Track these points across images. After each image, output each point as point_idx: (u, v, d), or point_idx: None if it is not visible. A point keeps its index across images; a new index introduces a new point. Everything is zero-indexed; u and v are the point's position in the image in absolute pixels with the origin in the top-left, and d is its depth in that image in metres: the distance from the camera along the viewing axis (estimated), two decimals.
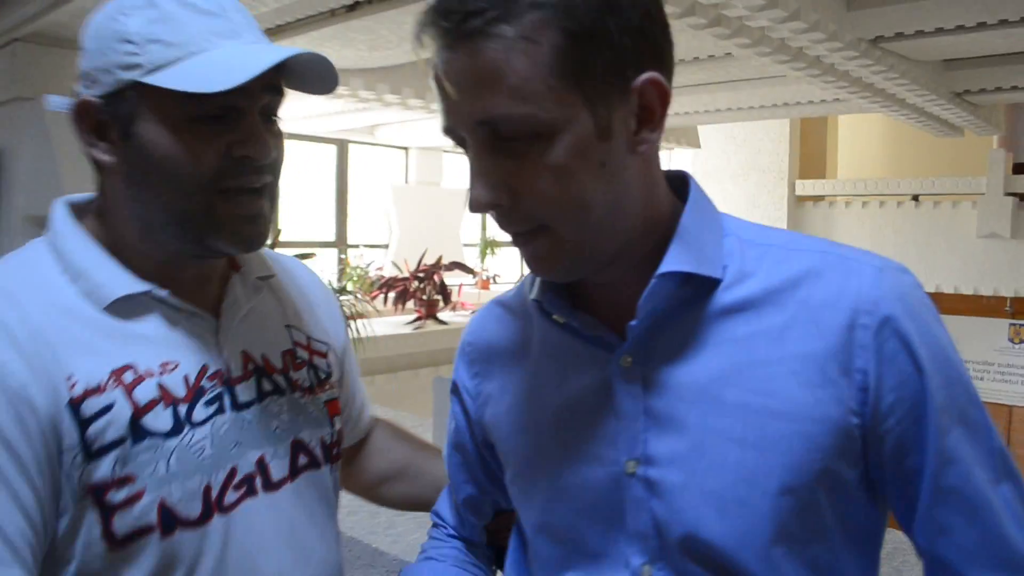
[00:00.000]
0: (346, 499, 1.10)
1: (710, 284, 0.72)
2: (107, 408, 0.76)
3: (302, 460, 0.91)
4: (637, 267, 0.72)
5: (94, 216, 0.87)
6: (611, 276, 0.74)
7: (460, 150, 0.69)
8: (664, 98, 0.67)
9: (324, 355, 1.00)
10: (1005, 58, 5.34)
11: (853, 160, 10.17)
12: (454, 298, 7.25)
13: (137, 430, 0.77)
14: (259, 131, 0.81)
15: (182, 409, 0.81)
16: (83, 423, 0.75)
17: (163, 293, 0.83)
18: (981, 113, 6.97)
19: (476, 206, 0.68)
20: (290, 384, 0.93)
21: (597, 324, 0.75)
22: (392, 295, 6.77)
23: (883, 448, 0.69)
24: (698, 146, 8.59)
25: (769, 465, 0.68)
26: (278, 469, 0.88)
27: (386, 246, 8.89)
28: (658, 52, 0.67)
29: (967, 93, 6.35)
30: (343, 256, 7.93)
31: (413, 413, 4.06)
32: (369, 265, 7.53)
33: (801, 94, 6.09)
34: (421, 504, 1.13)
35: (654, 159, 0.72)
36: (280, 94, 0.84)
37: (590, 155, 0.65)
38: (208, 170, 0.79)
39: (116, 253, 0.84)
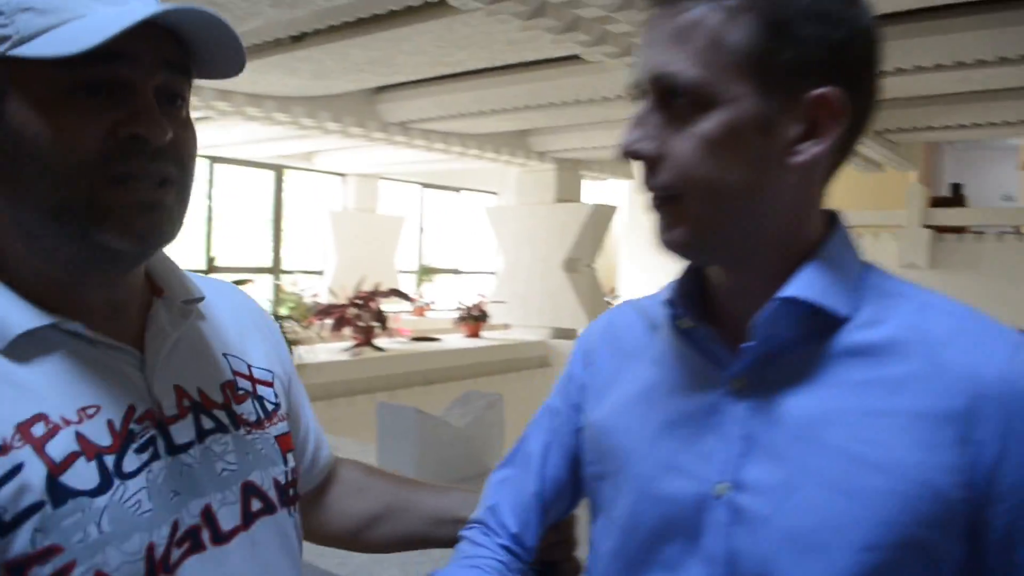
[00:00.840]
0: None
1: (837, 320, 0.69)
2: (15, 470, 0.64)
3: (255, 505, 0.80)
4: (768, 281, 0.70)
5: None
6: (740, 281, 0.73)
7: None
8: (835, 119, 0.66)
9: (269, 383, 0.89)
10: (923, 100, 5.62)
11: None
12: (391, 325, 7.22)
13: (57, 491, 0.66)
14: (151, 108, 0.70)
15: (109, 460, 0.70)
16: None
17: (74, 325, 0.71)
18: (900, 151, 7.31)
19: (623, 149, 0.70)
20: (234, 420, 0.81)
21: (716, 337, 0.73)
22: (329, 322, 6.71)
23: (991, 533, 0.63)
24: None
25: (855, 516, 0.63)
26: (228, 518, 0.77)
27: (320, 272, 8.83)
28: (851, 74, 0.67)
29: (887, 132, 6.65)
30: (278, 283, 7.85)
31: (353, 439, 4.03)
32: (304, 292, 7.45)
33: None
34: (411, 542, 1.03)
35: (813, 177, 0.70)
36: (185, 74, 0.74)
37: (741, 140, 0.66)
38: (88, 152, 0.67)
39: (8, 279, 0.71)
